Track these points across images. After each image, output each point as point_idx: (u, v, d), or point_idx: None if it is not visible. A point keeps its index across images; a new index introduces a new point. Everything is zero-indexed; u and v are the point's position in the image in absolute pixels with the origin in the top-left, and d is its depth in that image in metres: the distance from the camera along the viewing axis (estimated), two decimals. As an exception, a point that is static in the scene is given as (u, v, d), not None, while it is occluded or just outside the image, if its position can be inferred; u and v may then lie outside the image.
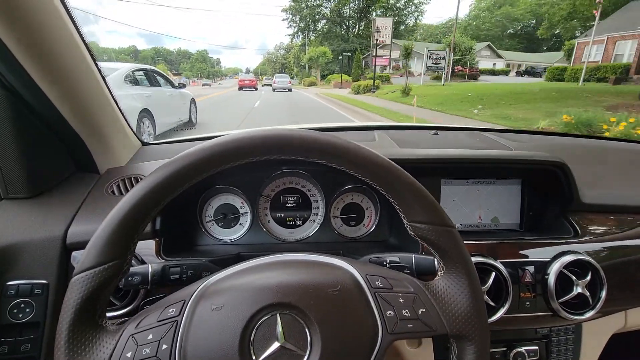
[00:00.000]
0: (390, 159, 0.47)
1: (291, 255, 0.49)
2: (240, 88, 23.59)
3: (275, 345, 0.39)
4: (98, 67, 0.76)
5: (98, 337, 0.39)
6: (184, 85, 6.46)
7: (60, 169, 0.80)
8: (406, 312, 0.43)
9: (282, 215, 0.90)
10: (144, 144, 1.04)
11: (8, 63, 0.58)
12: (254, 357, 0.39)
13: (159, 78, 5.51)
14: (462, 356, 0.44)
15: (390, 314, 0.43)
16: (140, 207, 0.41)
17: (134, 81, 4.73)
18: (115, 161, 0.88)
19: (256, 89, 23.72)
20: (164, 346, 0.38)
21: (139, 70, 5.00)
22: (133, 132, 0.98)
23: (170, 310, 0.41)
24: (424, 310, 0.44)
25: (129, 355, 0.38)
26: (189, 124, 6.18)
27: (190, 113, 6.25)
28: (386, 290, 0.44)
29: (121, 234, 0.41)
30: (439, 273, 0.48)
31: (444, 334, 0.43)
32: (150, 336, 0.39)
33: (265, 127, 0.46)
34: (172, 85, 5.76)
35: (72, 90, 0.69)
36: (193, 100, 6.41)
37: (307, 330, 0.40)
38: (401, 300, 0.44)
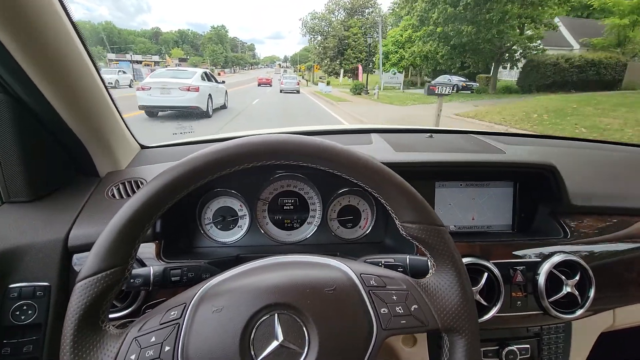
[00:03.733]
0: (385, 163, 0.48)
1: (288, 257, 0.50)
2: (259, 85, 27.97)
3: (275, 344, 0.41)
4: (98, 71, 0.78)
5: (102, 340, 0.41)
6: (223, 82, 10.19)
7: (60, 173, 0.81)
8: (399, 308, 0.45)
9: (280, 217, 0.91)
10: (142, 147, 1.05)
11: (11, 68, 0.59)
12: (254, 356, 0.40)
13: (211, 77, 9.06)
14: (453, 349, 0.46)
15: (384, 311, 0.44)
16: (141, 213, 0.43)
17: (203, 79, 8.19)
18: (115, 165, 0.89)
19: (271, 85, 27.86)
20: (167, 348, 0.40)
21: (204, 72, 8.69)
22: (132, 135, 0.99)
23: (172, 313, 0.42)
24: (416, 306, 0.45)
25: (132, 357, 0.39)
26: (224, 107, 9.81)
27: (224, 100, 9.85)
28: (380, 289, 0.46)
29: (123, 240, 0.42)
30: (430, 271, 0.49)
31: (435, 328, 0.45)
32: (153, 339, 0.40)
33: (263, 131, 0.48)
34: (216, 81, 9.17)
35: (73, 95, 0.70)
36: (226, 91, 10.03)
37: (304, 328, 0.42)
38: (394, 297, 0.45)
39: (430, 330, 0.45)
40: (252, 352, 0.40)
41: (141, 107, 7.38)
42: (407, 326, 0.44)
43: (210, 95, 8.15)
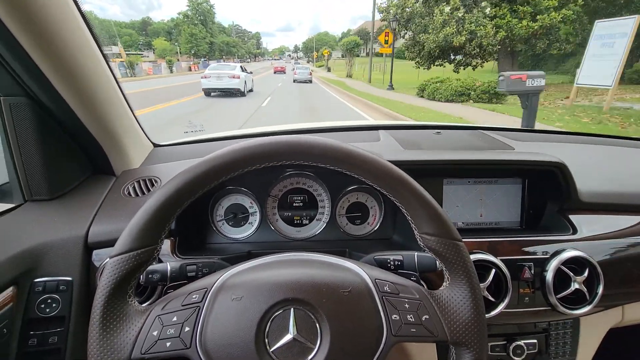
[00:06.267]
0: (393, 161, 0.49)
1: (308, 254, 0.52)
2: (275, 72, 33.85)
3: (288, 337, 0.42)
4: (112, 72, 0.80)
5: (128, 314, 0.43)
6: (251, 72, 14.90)
7: (79, 172, 0.84)
8: (410, 317, 0.46)
9: (290, 214, 0.93)
10: (155, 145, 1.08)
11: (32, 72, 0.62)
12: (268, 347, 0.42)
13: (244, 69, 13.86)
14: None
15: (395, 317, 0.45)
16: (174, 199, 0.45)
17: (240, 70, 13.04)
18: (129, 163, 0.91)
19: (285, 73, 32.71)
20: (187, 328, 0.42)
21: (240, 65, 13.90)
22: (145, 134, 1.02)
23: (193, 297, 0.45)
24: (427, 316, 0.46)
25: (155, 333, 0.42)
26: (251, 90, 14.44)
27: (252, 85, 14.60)
28: (393, 295, 0.47)
29: (155, 222, 0.44)
30: (444, 284, 0.50)
31: (444, 340, 0.46)
32: (175, 318, 0.43)
33: (276, 128, 0.49)
34: (247, 72, 13.81)
35: (89, 96, 0.72)
36: (252, 79, 14.89)
37: (317, 325, 0.44)
38: (407, 305, 0.46)
39: (439, 342, 0.46)
40: (267, 343, 0.42)
41: (204, 90, 12.59)
42: (417, 335, 0.45)
43: (245, 81, 13.16)
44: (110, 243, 0.72)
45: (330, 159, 0.47)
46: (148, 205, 0.44)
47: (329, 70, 39.61)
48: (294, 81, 23.17)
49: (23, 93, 0.66)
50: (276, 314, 0.43)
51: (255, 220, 0.93)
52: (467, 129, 1.26)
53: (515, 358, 0.81)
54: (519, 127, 1.28)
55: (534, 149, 0.94)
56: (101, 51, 0.74)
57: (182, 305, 0.44)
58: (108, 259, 0.44)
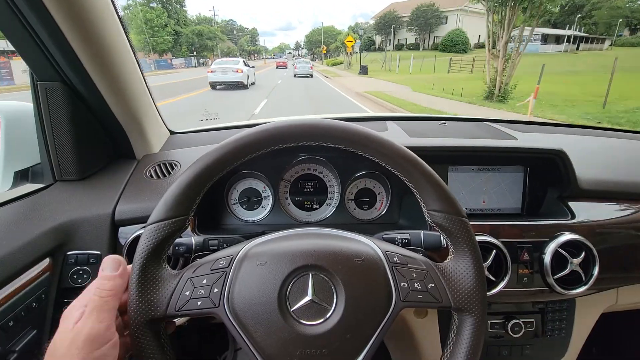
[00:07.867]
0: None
1: (324, 229, 0.57)
2: (277, 67, 36.58)
3: (307, 298, 0.47)
4: (138, 61, 0.85)
5: (163, 277, 0.48)
6: (253, 67, 16.17)
7: (104, 155, 0.89)
8: (417, 285, 0.50)
9: (301, 198, 0.98)
10: (171, 132, 1.13)
11: (70, 59, 0.66)
12: (289, 306, 0.47)
13: (247, 63, 15.10)
14: (461, 326, 0.51)
15: (403, 285, 0.50)
16: (205, 173, 0.49)
17: (243, 64, 14.42)
18: (150, 148, 0.96)
19: (287, 67, 35.08)
20: (215, 290, 0.47)
21: (243, 60, 15.33)
22: (164, 122, 1.06)
23: (221, 263, 0.49)
24: (432, 285, 0.50)
25: (187, 293, 0.47)
26: (253, 83, 15.35)
27: (254, 79, 15.60)
28: (402, 265, 0.51)
29: (187, 194, 0.49)
30: (449, 257, 0.54)
31: (447, 306, 0.50)
32: (205, 281, 0.47)
33: (310, 117, 0.53)
34: (248, 66, 14.94)
35: (119, 85, 0.77)
36: (254, 73, 15.96)
37: (333, 289, 0.48)
38: (414, 275, 0.51)
39: (443, 308, 0.51)
40: (288, 303, 0.47)
41: (210, 83, 13.42)
42: (423, 301, 0.50)
43: (248, 74, 14.18)
44: (135, 221, 0.77)
45: (349, 141, 0.51)
46: (182, 178, 0.49)
47: (363, 71, 21.31)
48: (295, 76, 23.01)
49: (59, 79, 0.71)
50: (296, 278, 0.48)
51: (268, 203, 0.97)
52: (472, 120, 1.30)
53: (513, 335, 0.86)
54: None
55: (536, 139, 0.97)
56: (130, 44, 0.79)
57: (211, 270, 0.49)
58: (143, 229, 0.48)
